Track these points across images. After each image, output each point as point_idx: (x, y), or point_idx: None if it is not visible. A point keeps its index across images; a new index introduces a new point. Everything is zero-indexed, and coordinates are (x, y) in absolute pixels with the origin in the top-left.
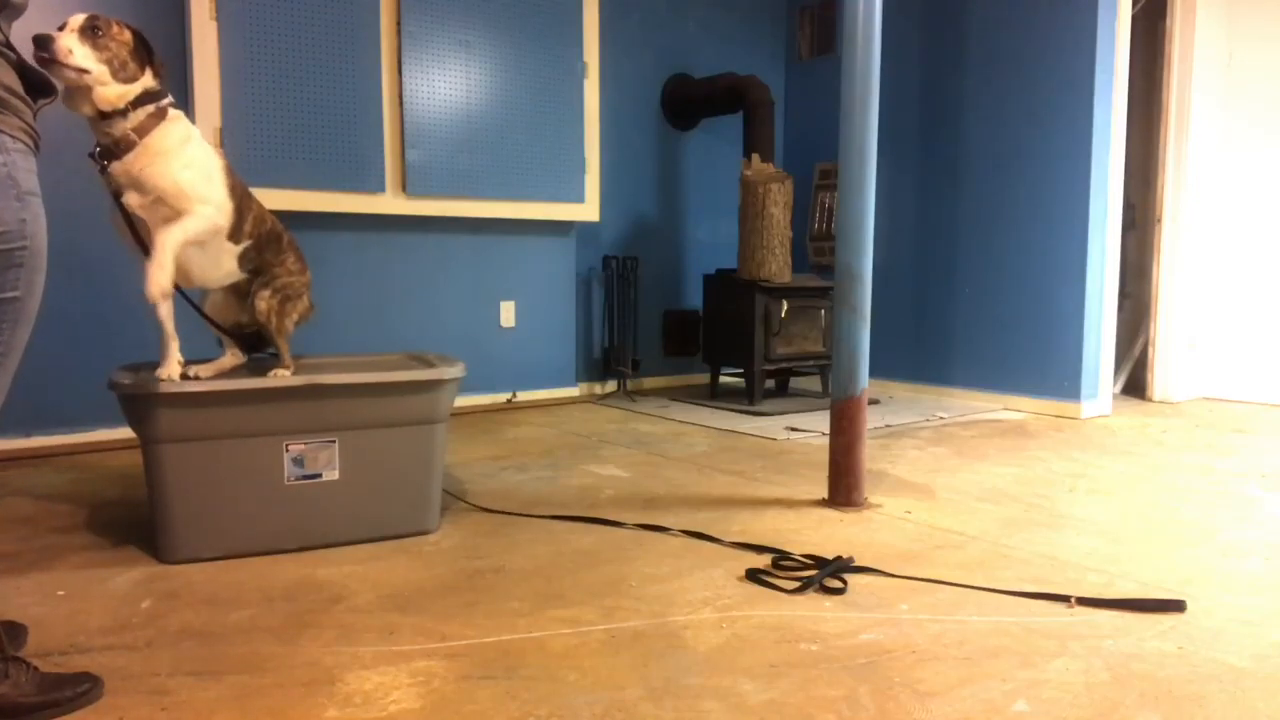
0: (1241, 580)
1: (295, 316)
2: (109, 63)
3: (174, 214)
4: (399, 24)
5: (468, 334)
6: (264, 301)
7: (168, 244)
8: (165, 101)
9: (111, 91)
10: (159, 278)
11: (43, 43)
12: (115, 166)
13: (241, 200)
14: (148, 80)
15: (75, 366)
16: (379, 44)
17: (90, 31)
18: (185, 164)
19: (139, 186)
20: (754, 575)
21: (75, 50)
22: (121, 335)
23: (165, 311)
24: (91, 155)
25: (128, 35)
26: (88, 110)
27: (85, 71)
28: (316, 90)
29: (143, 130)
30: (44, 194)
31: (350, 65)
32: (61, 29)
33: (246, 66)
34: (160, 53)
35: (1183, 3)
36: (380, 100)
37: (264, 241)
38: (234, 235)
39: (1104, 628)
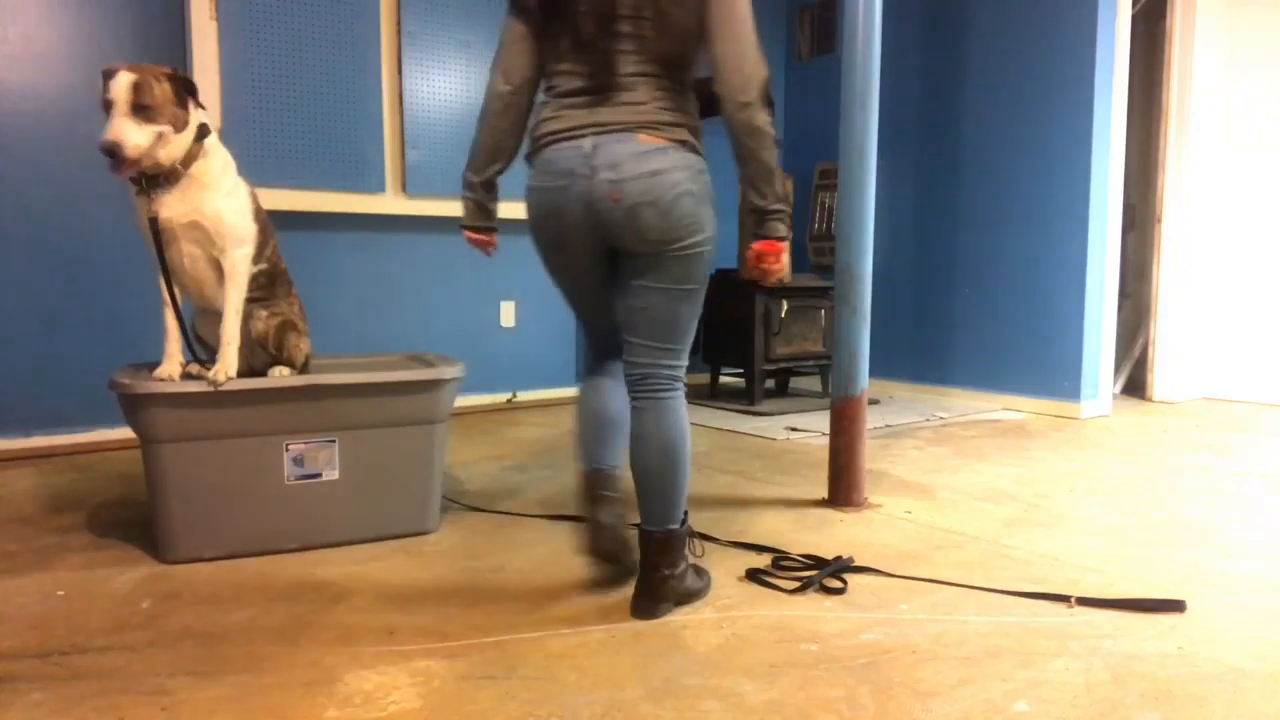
0: (1241, 580)
1: (294, 347)
2: (171, 121)
3: (207, 239)
4: (399, 24)
5: (468, 334)
6: (261, 322)
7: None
8: (206, 132)
9: (177, 148)
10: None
11: (112, 154)
12: (159, 194)
13: (264, 225)
14: (197, 117)
15: (75, 366)
16: (379, 44)
17: (140, 110)
18: (226, 192)
19: (182, 208)
20: (754, 575)
21: (140, 141)
22: (122, 335)
23: (171, 319)
24: (135, 181)
25: (168, 88)
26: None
27: (157, 143)
28: (316, 90)
29: (188, 161)
30: (44, 196)
31: (350, 65)
32: (108, 105)
33: (246, 67)
34: (195, 86)
35: (1183, 3)
36: (380, 100)
37: (276, 275)
38: (255, 257)
39: (1104, 628)
